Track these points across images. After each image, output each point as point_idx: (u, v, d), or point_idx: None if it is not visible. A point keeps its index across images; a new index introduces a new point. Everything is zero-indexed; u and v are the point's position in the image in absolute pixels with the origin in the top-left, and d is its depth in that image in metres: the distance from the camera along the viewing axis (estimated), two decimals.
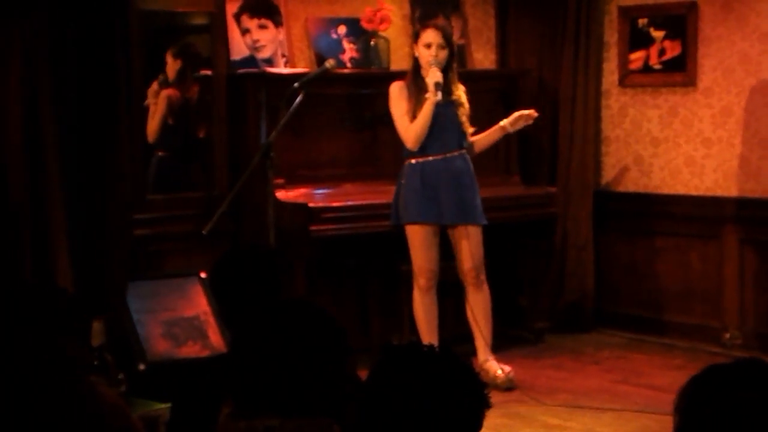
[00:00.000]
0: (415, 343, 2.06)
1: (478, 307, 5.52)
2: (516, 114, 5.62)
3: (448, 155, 5.48)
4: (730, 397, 1.83)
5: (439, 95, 5.35)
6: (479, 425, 1.93)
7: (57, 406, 2.31)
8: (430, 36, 5.42)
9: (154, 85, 5.83)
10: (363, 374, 2.01)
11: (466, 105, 5.56)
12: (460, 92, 5.55)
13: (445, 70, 5.42)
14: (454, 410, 1.88)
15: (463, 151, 5.54)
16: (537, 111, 5.73)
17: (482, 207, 5.55)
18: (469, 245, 5.49)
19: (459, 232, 5.51)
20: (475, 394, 1.92)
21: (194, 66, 5.96)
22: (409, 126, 5.43)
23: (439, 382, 1.89)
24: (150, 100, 5.82)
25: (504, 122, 5.62)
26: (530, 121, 5.63)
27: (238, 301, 2.86)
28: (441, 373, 1.91)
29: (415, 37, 5.53)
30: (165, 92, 5.87)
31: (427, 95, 5.37)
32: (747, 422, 1.79)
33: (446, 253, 5.56)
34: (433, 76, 5.35)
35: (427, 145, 5.45)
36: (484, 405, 1.93)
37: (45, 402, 2.29)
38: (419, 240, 5.46)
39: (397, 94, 5.50)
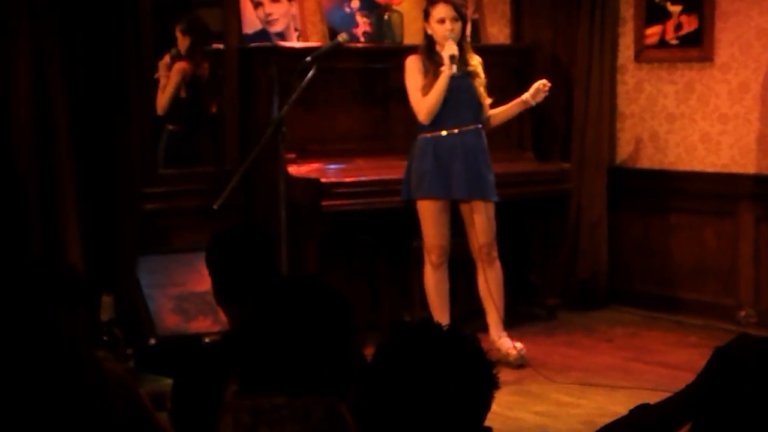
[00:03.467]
0: (423, 321, 2.03)
1: (490, 283, 5.48)
2: (535, 85, 5.57)
3: (462, 129, 5.43)
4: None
5: (454, 68, 5.31)
6: (488, 405, 1.90)
7: (63, 382, 2.29)
8: (442, 11, 5.37)
9: (166, 58, 5.81)
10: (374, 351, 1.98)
11: (482, 75, 5.51)
12: (476, 62, 5.51)
13: (459, 42, 5.38)
14: (462, 390, 1.85)
15: (479, 125, 5.49)
16: (551, 86, 5.67)
17: (495, 183, 5.51)
18: (482, 221, 5.45)
19: (471, 208, 5.47)
20: (484, 374, 1.89)
21: (204, 39, 5.92)
22: (423, 99, 5.39)
23: (446, 362, 1.86)
24: (161, 73, 5.80)
25: (525, 95, 5.58)
26: (546, 91, 5.57)
27: (228, 278, 2.85)
28: (448, 352, 1.88)
29: (426, 14, 5.46)
30: (178, 65, 5.84)
31: (442, 68, 5.33)
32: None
33: (458, 230, 5.53)
34: (448, 49, 5.30)
35: (441, 119, 5.40)
36: (493, 385, 1.90)
37: (51, 379, 2.27)
38: (431, 216, 5.43)
39: (413, 67, 5.46)
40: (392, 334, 1.94)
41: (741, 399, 1.83)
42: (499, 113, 5.64)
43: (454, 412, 1.85)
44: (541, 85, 5.55)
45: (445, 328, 1.93)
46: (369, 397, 1.90)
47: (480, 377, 1.89)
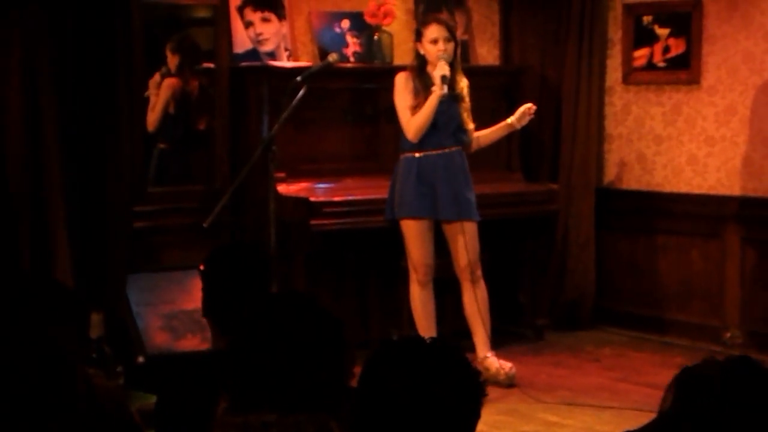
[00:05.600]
0: (409, 336, 2.05)
1: (475, 302, 5.50)
2: (521, 109, 5.60)
3: (445, 150, 5.46)
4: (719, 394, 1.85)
5: (445, 89, 5.32)
6: (477, 414, 1.92)
7: (53, 399, 2.29)
8: (435, 31, 5.39)
9: (156, 77, 5.82)
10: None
11: (467, 99, 5.54)
12: (463, 85, 5.54)
13: (450, 62, 5.41)
14: (451, 399, 1.87)
15: (459, 147, 5.52)
16: (539, 107, 5.72)
17: (481, 203, 5.54)
18: (468, 241, 5.46)
19: (455, 227, 5.49)
20: (471, 383, 1.91)
21: (193, 58, 5.94)
22: (412, 119, 5.41)
23: (434, 372, 1.88)
24: (151, 91, 5.81)
25: (511, 119, 5.61)
26: (532, 115, 5.61)
27: (220, 292, 2.87)
28: (436, 362, 1.90)
29: (418, 34, 5.49)
30: (168, 81, 5.86)
31: (433, 88, 5.35)
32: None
33: (444, 250, 5.55)
34: (440, 69, 5.32)
35: (425, 139, 5.43)
36: (481, 394, 1.92)
37: (41, 395, 2.27)
38: (416, 235, 5.45)
39: (403, 85, 5.47)
40: (379, 348, 1.96)
41: (707, 420, 1.86)
42: (484, 136, 5.66)
43: (444, 421, 1.87)
44: (527, 108, 5.59)
45: (429, 341, 1.96)
46: (359, 409, 1.91)
47: (468, 384, 1.90)
